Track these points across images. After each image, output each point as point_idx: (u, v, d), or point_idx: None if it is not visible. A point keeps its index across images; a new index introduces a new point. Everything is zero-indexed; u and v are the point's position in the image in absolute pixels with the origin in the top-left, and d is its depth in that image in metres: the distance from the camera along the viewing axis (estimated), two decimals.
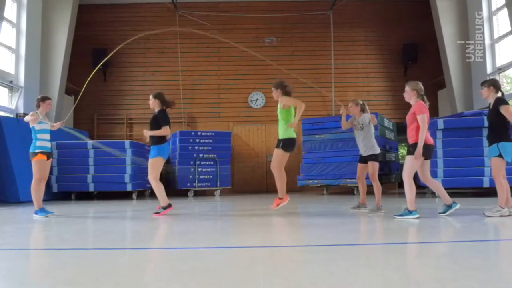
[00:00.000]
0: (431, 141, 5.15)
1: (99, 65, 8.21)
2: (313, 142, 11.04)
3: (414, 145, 5.03)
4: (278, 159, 5.97)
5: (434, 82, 13.41)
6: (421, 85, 5.29)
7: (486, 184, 8.56)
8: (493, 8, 11.17)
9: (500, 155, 5.07)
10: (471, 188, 9.39)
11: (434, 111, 13.35)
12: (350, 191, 11.00)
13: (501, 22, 11.03)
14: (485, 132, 8.65)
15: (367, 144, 6.11)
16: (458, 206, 5.15)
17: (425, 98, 5.25)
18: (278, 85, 6.12)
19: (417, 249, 3.52)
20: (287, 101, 5.98)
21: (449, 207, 5.14)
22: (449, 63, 12.08)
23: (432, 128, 9.00)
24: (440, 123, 8.72)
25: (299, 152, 13.05)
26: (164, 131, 6.07)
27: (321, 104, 13.78)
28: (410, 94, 5.29)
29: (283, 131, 6.05)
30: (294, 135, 6.07)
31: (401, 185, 11.30)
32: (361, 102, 6.38)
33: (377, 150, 6.16)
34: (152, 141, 6.16)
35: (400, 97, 15.20)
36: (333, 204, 8.02)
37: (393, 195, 10.19)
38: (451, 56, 12.07)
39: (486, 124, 8.43)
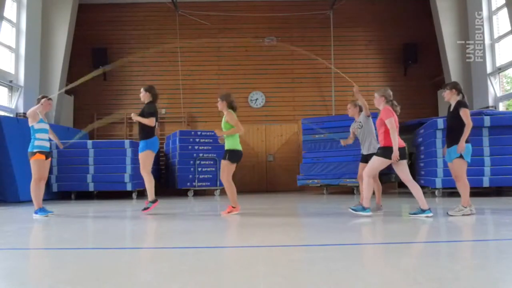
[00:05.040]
0: (401, 144, 5.24)
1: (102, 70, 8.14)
2: (313, 142, 11.03)
3: (383, 148, 5.23)
4: (226, 170, 6.13)
5: (434, 82, 13.41)
6: (389, 92, 5.52)
7: (486, 184, 8.57)
8: (493, 8, 11.16)
9: (461, 156, 5.21)
10: (471, 188, 9.35)
11: (434, 111, 13.36)
12: (350, 191, 11.00)
13: (501, 22, 11.03)
14: (485, 132, 8.68)
15: (368, 143, 6.12)
16: (431, 215, 5.14)
17: (395, 103, 5.44)
18: (224, 97, 6.25)
19: (417, 248, 3.52)
20: (230, 118, 6.12)
21: (422, 211, 5.16)
22: (449, 63, 12.08)
23: (432, 128, 9.01)
24: (440, 123, 8.73)
25: (299, 151, 13.06)
26: (149, 122, 6.33)
27: (321, 104, 13.78)
28: (378, 100, 5.51)
29: (230, 142, 6.16)
30: (239, 148, 6.19)
31: (400, 184, 11.31)
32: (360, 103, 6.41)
33: None
34: (141, 136, 6.44)
35: (400, 97, 15.17)
36: (333, 203, 8.01)
37: (393, 194, 10.19)
38: (451, 56, 12.07)
39: (488, 123, 8.53)
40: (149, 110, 6.40)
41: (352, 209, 5.46)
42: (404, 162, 5.28)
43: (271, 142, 13.67)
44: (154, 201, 6.36)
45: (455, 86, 5.42)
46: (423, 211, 5.15)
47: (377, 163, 5.27)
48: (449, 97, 5.44)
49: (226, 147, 6.17)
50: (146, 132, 6.37)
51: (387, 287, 2.22)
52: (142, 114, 6.42)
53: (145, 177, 6.38)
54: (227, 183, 6.11)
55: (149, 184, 6.39)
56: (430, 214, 5.13)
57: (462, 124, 5.22)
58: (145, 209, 6.35)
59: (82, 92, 13.74)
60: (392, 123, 5.15)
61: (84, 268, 2.79)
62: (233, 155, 6.11)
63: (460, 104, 5.27)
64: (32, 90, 11.14)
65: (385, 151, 5.20)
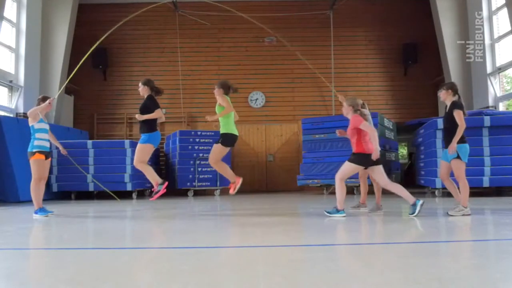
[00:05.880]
0: (371, 150, 5.27)
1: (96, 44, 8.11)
2: (313, 142, 11.03)
3: (356, 155, 5.31)
4: (216, 153, 6.11)
5: (434, 82, 13.41)
6: (357, 101, 5.61)
7: (486, 184, 8.56)
8: (493, 8, 11.16)
9: (458, 157, 5.20)
10: (471, 188, 9.34)
11: (434, 111, 13.36)
12: (350, 191, 10.99)
13: (501, 22, 11.02)
14: (485, 132, 8.68)
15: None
16: (422, 202, 5.15)
17: (364, 112, 5.54)
18: (221, 84, 6.26)
19: (417, 248, 3.52)
20: (222, 100, 6.11)
21: (414, 205, 5.16)
22: (449, 63, 12.08)
23: (432, 128, 9.01)
24: (440, 123, 8.69)
25: (299, 151, 13.06)
26: (156, 113, 6.17)
27: (321, 104, 13.78)
28: (347, 110, 5.60)
29: (224, 126, 6.16)
30: (235, 132, 6.17)
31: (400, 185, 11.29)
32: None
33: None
34: (143, 129, 6.24)
35: (400, 97, 15.18)
36: (333, 204, 7.99)
37: (393, 194, 10.17)
38: (451, 56, 12.07)
39: (488, 123, 8.53)
40: (153, 103, 6.23)
41: (327, 212, 5.49)
42: (379, 167, 5.34)
43: (271, 142, 13.67)
44: (162, 183, 6.17)
45: (451, 87, 5.43)
46: (414, 205, 5.15)
47: (348, 168, 5.33)
48: (444, 97, 5.45)
49: (221, 131, 6.17)
50: (149, 126, 6.20)
51: (387, 287, 2.22)
52: (145, 108, 6.22)
53: (142, 168, 6.23)
54: (214, 165, 6.09)
55: (147, 171, 6.21)
56: (421, 202, 5.13)
57: (457, 125, 5.22)
58: (155, 193, 6.20)
59: (82, 92, 13.75)
60: (367, 125, 5.23)
61: (84, 268, 2.79)
62: (226, 139, 6.09)
63: (455, 105, 5.28)
64: (32, 90, 11.14)
65: (358, 157, 5.28)
